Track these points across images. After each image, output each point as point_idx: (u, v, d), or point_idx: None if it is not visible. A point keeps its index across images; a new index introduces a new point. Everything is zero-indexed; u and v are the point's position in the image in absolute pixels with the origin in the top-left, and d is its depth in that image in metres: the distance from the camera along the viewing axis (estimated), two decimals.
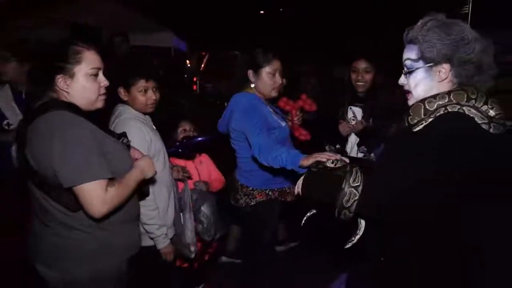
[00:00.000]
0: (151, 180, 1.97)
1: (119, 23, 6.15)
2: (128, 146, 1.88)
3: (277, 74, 2.50)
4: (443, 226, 1.35)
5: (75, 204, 1.62)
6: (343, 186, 1.35)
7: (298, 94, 3.12)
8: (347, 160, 1.64)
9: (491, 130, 1.32)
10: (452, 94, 1.37)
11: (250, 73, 2.52)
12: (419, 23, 1.43)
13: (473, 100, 1.36)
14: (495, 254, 1.60)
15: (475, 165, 1.26)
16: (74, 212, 1.65)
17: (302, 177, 1.56)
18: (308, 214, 1.72)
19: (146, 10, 7.83)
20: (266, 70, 2.49)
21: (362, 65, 3.02)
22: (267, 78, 2.50)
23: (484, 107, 1.37)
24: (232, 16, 17.44)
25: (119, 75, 2.25)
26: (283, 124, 2.61)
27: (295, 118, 2.93)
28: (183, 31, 9.04)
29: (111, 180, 1.63)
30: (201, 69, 11.24)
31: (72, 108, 1.66)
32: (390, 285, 1.47)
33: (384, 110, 2.87)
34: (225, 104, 2.72)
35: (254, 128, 2.29)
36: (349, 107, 3.14)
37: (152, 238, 2.24)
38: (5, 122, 3.00)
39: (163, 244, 2.25)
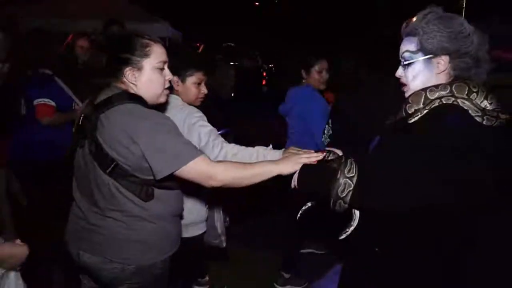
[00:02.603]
0: None
1: (113, 13, 6.10)
2: None
3: (323, 72, 3.26)
4: (437, 218, 1.36)
5: (148, 194, 1.67)
6: (338, 176, 1.35)
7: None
8: (340, 153, 1.65)
9: (484, 123, 1.33)
10: (454, 86, 1.38)
11: (303, 72, 3.25)
12: (418, 16, 1.43)
13: (474, 94, 1.36)
14: (491, 247, 1.60)
15: (470, 157, 1.26)
16: (146, 202, 1.68)
17: (297, 171, 1.57)
18: (304, 207, 1.73)
19: (141, 0, 7.77)
20: (315, 69, 3.21)
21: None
22: (317, 75, 3.25)
23: (484, 102, 1.37)
24: (226, 8, 17.35)
25: (176, 64, 2.24)
26: None
27: None
28: (178, 22, 8.97)
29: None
30: None
31: (142, 101, 1.69)
32: (384, 276, 1.48)
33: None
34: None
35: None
36: None
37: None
38: (74, 103, 3.12)
39: None
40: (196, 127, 2.12)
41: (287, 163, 1.64)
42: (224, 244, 2.60)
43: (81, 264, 1.77)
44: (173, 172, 1.59)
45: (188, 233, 2.29)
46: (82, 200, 1.76)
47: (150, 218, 1.72)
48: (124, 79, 1.70)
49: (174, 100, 2.24)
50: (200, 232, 2.40)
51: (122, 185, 1.66)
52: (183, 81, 2.27)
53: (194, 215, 2.34)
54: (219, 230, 2.56)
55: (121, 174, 1.64)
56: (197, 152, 1.63)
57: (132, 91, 1.71)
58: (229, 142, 2.13)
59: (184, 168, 1.58)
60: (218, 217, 2.55)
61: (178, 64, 2.25)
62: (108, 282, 1.76)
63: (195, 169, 1.60)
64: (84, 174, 1.72)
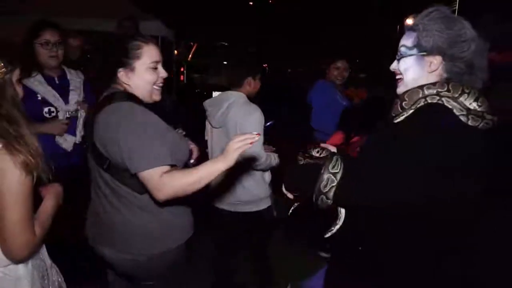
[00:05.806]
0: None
1: (105, 11, 6.06)
2: (183, 136, 2.01)
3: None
4: (418, 218, 1.34)
5: (140, 187, 1.69)
6: (322, 172, 1.35)
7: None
8: (333, 150, 1.64)
9: (469, 122, 1.32)
10: (451, 85, 1.37)
11: None
12: (423, 12, 1.42)
13: (466, 94, 1.36)
14: (475, 244, 1.59)
15: (454, 157, 1.26)
16: (140, 194, 1.73)
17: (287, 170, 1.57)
18: (295, 204, 1.72)
19: None
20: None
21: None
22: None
23: (473, 104, 1.36)
24: (220, 7, 17.34)
25: (253, 64, 2.65)
26: None
27: None
28: (171, 20, 8.94)
29: (171, 168, 1.65)
30: (189, 59, 11.19)
31: (135, 99, 1.74)
32: (367, 274, 1.47)
33: None
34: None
35: None
36: None
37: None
38: (46, 110, 2.61)
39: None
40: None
41: (225, 155, 1.60)
42: (275, 213, 2.86)
43: (100, 257, 1.85)
44: (135, 173, 1.63)
45: (260, 206, 2.71)
46: (94, 196, 1.86)
47: (147, 208, 1.76)
48: (118, 80, 1.77)
49: (242, 96, 2.55)
50: (269, 204, 2.75)
51: (119, 181, 1.71)
52: (254, 79, 2.63)
53: (264, 190, 2.70)
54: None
55: (116, 170, 1.70)
56: (158, 162, 1.62)
57: (130, 91, 1.77)
58: None
59: (142, 173, 1.61)
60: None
61: (255, 64, 2.67)
62: (123, 273, 1.86)
63: (148, 178, 1.61)
64: (93, 173, 1.82)
